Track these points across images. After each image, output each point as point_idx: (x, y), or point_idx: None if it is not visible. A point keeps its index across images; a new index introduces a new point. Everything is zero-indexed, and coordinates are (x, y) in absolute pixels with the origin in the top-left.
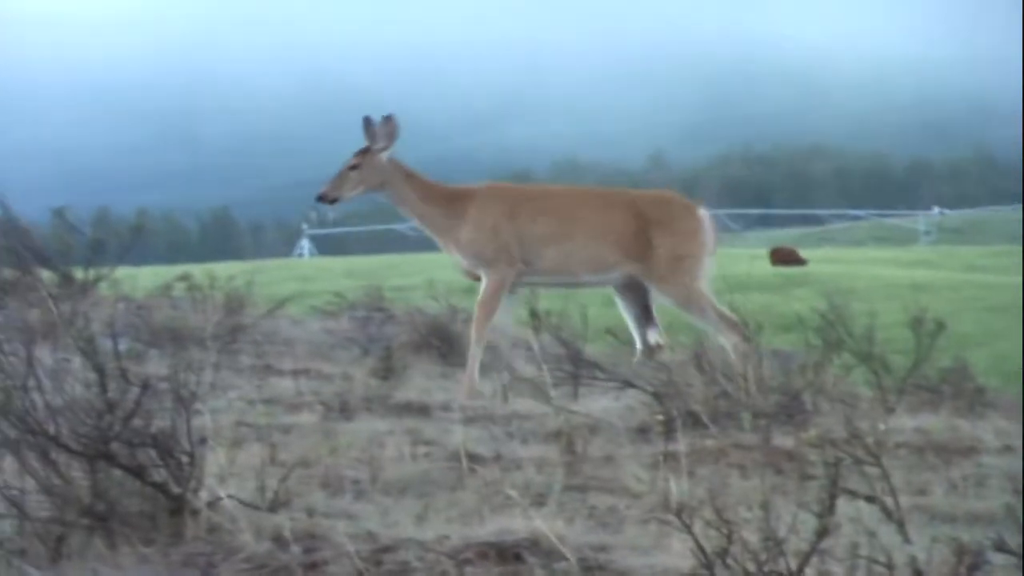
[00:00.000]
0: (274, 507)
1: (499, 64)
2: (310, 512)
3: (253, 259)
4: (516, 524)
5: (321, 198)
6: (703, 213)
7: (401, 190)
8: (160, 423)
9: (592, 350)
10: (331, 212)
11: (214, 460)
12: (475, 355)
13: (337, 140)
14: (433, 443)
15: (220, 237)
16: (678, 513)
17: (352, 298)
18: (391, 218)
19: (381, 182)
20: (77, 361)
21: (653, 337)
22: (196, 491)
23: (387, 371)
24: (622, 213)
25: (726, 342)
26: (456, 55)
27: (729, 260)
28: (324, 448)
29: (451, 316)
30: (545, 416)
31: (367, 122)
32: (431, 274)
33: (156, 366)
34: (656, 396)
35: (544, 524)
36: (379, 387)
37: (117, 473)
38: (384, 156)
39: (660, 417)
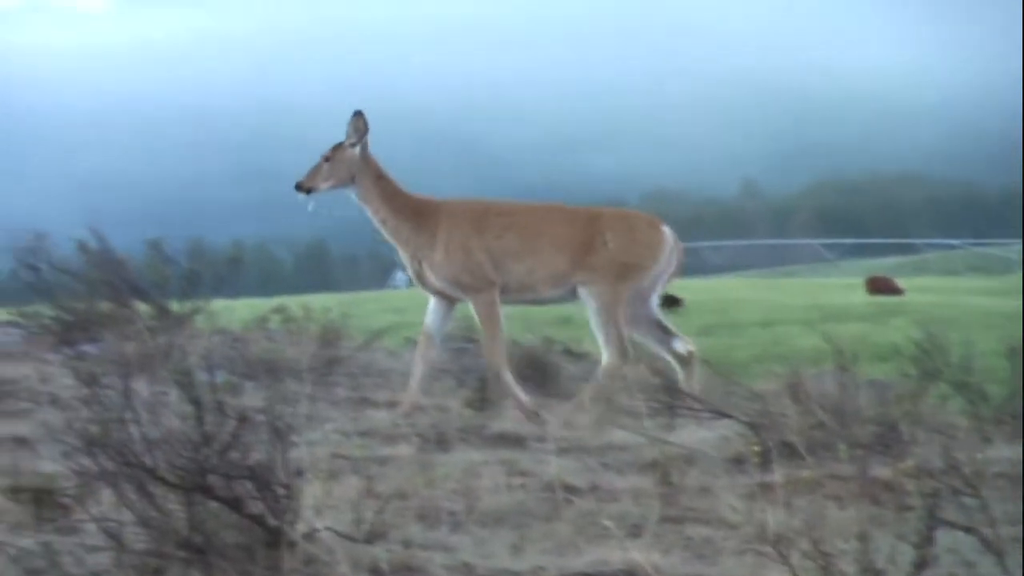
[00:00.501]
0: (371, 539)
1: (587, 92)
2: (407, 544)
3: (348, 291)
4: (612, 555)
5: (298, 187)
6: (666, 230)
7: (369, 188)
8: (257, 455)
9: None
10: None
11: (311, 492)
12: (509, 380)
13: (424, 167)
14: (529, 474)
15: (315, 269)
16: (775, 544)
17: (447, 330)
18: None
19: (351, 176)
20: (174, 394)
21: (681, 347)
22: (293, 523)
23: (482, 402)
24: (582, 227)
25: (605, 358)
26: (543, 83)
27: (823, 290)
28: (420, 480)
29: (546, 347)
30: (640, 447)
31: (357, 115)
32: (525, 306)
33: (252, 398)
34: (752, 426)
35: (640, 555)
36: (474, 418)
37: (214, 505)
38: (355, 151)
39: (756, 447)
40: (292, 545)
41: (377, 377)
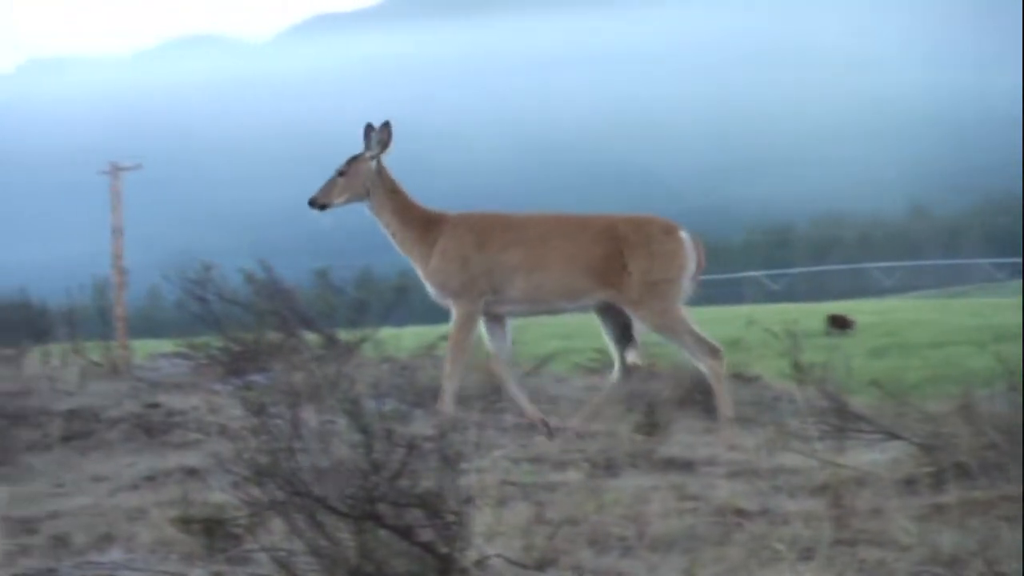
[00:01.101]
0: (542, 565)
1: (752, 116)
2: (578, 570)
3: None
4: None
5: (311, 203)
6: (684, 235)
7: (382, 202)
8: (426, 483)
9: (857, 402)
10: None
11: (481, 519)
12: (448, 389)
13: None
14: (699, 498)
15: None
16: (948, 566)
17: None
18: None
19: (366, 190)
20: (342, 422)
21: (631, 357)
22: (464, 550)
23: (651, 427)
24: (596, 238)
25: (703, 367)
26: (709, 107)
27: (995, 309)
28: (590, 505)
29: None
30: (811, 469)
31: (367, 129)
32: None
33: (421, 426)
34: (923, 448)
35: None
36: (644, 443)
37: (384, 533)
38: (372, 165)
39: (928, 469)
40: (463, 572)
41: (545, 403)
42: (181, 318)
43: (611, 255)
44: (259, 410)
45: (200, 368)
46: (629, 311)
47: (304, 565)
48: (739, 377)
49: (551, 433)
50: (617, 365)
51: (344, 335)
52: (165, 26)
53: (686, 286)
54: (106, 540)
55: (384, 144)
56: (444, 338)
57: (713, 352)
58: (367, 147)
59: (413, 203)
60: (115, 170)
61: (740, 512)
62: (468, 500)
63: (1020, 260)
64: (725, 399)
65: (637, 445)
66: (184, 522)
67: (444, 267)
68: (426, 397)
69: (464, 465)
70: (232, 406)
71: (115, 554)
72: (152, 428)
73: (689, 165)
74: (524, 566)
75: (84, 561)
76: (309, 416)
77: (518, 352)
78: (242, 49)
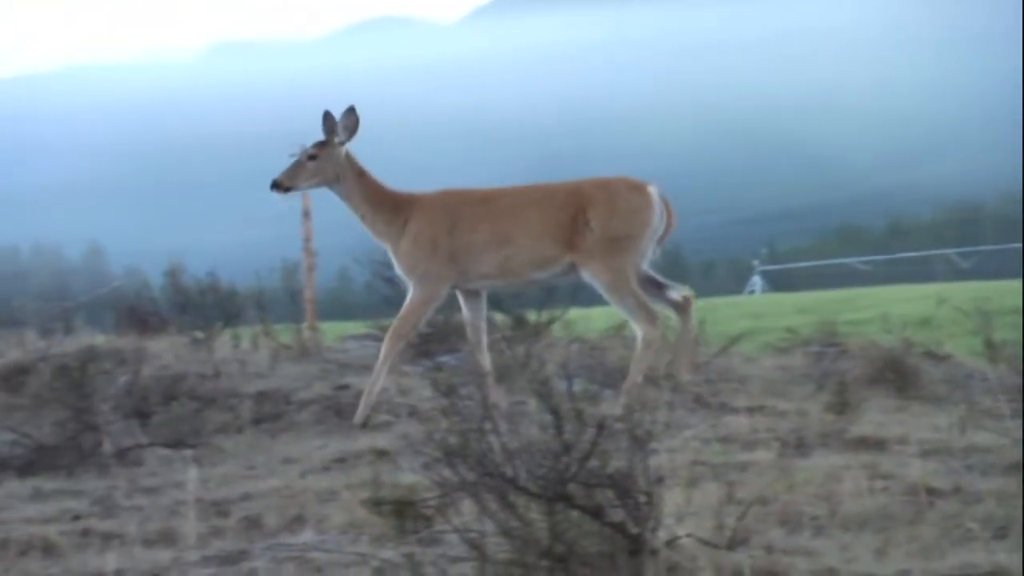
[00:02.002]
0: (733, 545)
1: (938, 96)
2: (769, 549)
3: (705, 297)
4: (978, 558)
5: (275, 185)
6: (652, 192)
7: (352, 186)
8: (616, 463)
9: None
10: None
11: (671, 499)
12: (380, 372)
13: (765, 177)
14: (891, 477)
15: (672, 275)
16: None
17: (805, 334)
18: (842, 252)
19: (336, 175)
20: (532, 403)
21: (675, 295)
22: (655, 531)
23: (842, 406)
24: (563, 204)
25: (639, 331)
26: (893, 89)
27: None
28: (781, 485)
29: (905, 349)
30: (1004, 448)
31: (327, 116)
32: (885, 308)
33: (611, 407)
34: None
35: (1007, 557)
36: (835, 422)
37: (575, 514)
38: (341, 149)
39: None
40: (654, 553)
41: (735, 383)
42: (370, 300)
43: (576, 217)
44: (449, 391)
45: None
46: (583, 267)
47: (495, 546)
48: (931, 356)
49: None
50: (671, 313)
51: (533, 316)
52: (352, 9)
53: (647, 246)
54: (297, 522)
55: (351, 130)
56: None
57: (652, 320)
58: (330, 133)
59: (381, 186)
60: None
61: (932, 491)
62: (658, 480)
63: None
64: (640, 367)
65: (828, 424)
66: (375, 503)
67: (413, 251)
68: (615, 378)
69: (654, 445)
70: (422, 387)
71: (306, 536)
72: (342, 410)
73: (874, 146)
74: (715, 546)
75: (276, 543)
76: (499, 397)
77: (706, 332)
78: (428, 31)
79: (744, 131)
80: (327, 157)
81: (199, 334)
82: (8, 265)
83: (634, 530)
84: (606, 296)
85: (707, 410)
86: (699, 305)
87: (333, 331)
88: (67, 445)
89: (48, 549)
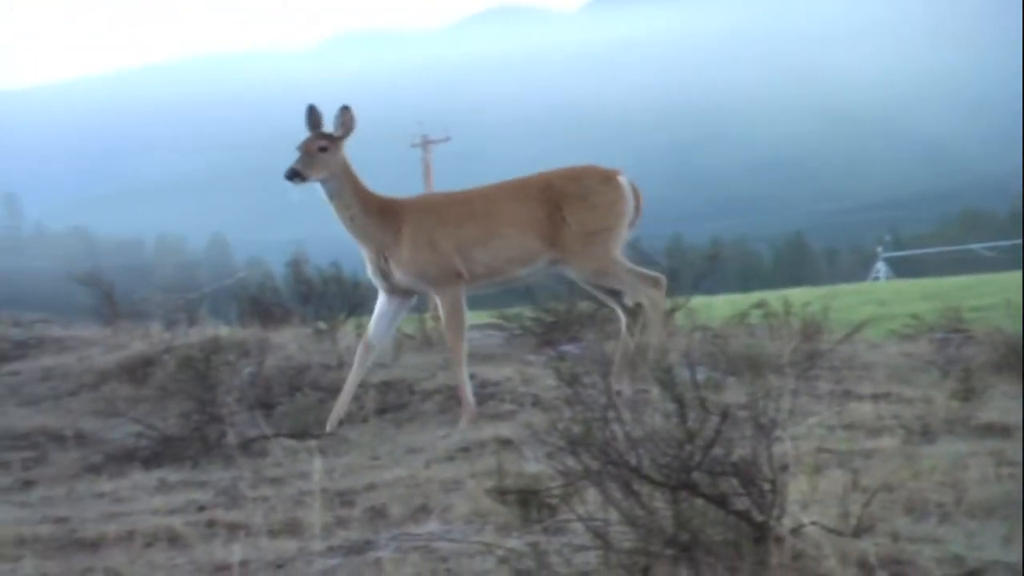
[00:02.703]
0: (858, 533)
1: None
2: (894, 537)
3: (828, 284)
4: None
5: (293, 173)
6: (623, 181)
7: (343, 184)
8: (741, 451)
9: None
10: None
11: (796, 487)
12: (463, 378)
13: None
14: (1017, 463)
15: (794, 263)
16: None
17: (930, 320)
18: (965, 238)
19: (334, 172)
20: (655, 391)
21: (628, 300)
22: (779, 518)
23: (968, 392)
24: (537, 198)
25: (644, 299)
26: (1002, 75)
27: None
28: (906, 472)
29: None
30: None
31: (311, 111)
32: (1009, 294)
33: (734, 394)
34: None
35: None
36: (960, 409)
37: (699, 502)
38: (342, 145)
39: None
40: (779, 540)
41: (859, 370)
42: (494, 289)
43: (552, 212)
44: (572, 380)
45: (513, 339)
46: (568, 264)
47: (619, 534)
48: None
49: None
50: (621, 316)
51: None
52: None
53: (624, 233)
54: (422, 512)
55: (348, 127)
56: (757, 306)
57: (655, 282)
58: (315, 127)
59: (367, 189)
60: (426, 143)
61: None
62: (783, 468)
63: None
64: (659, 329)
65: (953, 411)
66: (499, 493)
67: (417, 255)
68: (739, 365)
69: (778, 433)
70: (545, 376)
71: (431, 525)
72: None
73: (988, 131)
74: (840, 533)
75: (400, 533)
76: (623, 385)
77: (830, 319)
78: (549, 20)
79: (859, 119)
80: (335, 150)
81: (322, 324)
82: (132, 258)
83: (759, 518)
84: (599, 283)
85: (832, 397)
86: (822, 293)
87: None
88: (192, 436)
89: (174, 540)
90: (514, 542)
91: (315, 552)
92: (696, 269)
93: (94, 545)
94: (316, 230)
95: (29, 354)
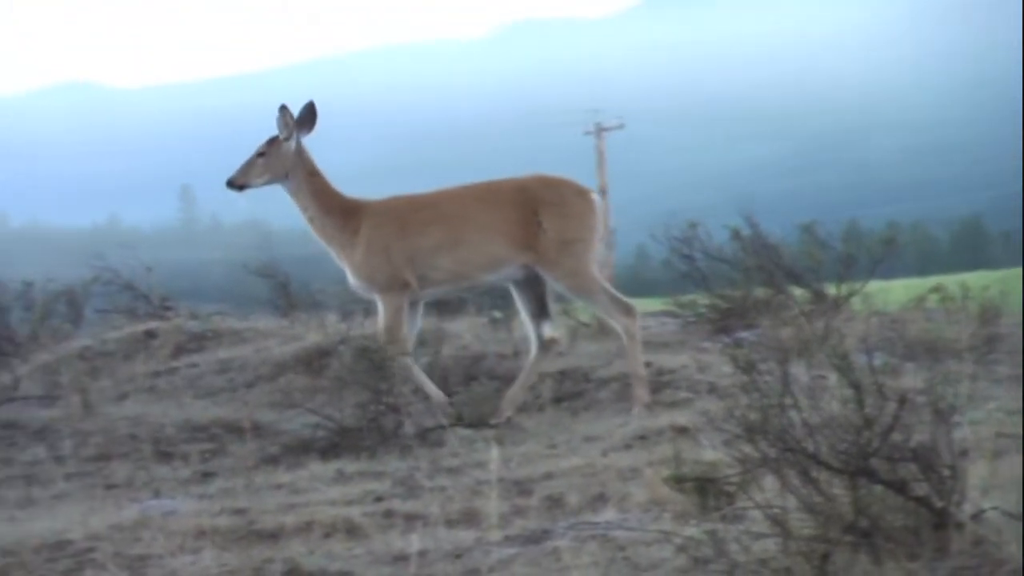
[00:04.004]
0: None
1: None
2: None
3: (1006, 267)
4: None
5: (229, 183)
6: (595, 198)
7: (300, 184)
8: (919, 437)
9: None
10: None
11: (976, 472)
12: (422, 380)
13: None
14: None
15: (971, 246)
16: None
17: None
18: None
19: (285, 172)
20: (832, 378)
21: (547, 330)
22: (959, 504)
23: None
24: (511, 203)
25: (617, 325)
26: None
27: None
28: None
29: None
30: None
31: (282, 109)
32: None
33: (912, 380)
34: None
35: None
36: None
37: (878, 489)
38: (290, 146)
39: None
40: (959, 527)
41: None
42: (668, 276)
43: (527, 217)
44: (748, 367)
45: (688, 326)
46: (544, 272)
47: (797, 521)
48: None
49: (447, 416)
50: (534, 341)
51: (832, 289)
52: None
53: (598, 248)
54: (599, 500)
55: (290, 127)
56: (934, 290)
57: (627, 310)
58: (281, 129)
59: (333, 189)
60: (599, 131)
61: None
62: (963, 453)
63: None
64: (637, 358)
65: None
66: (676, 480)
67: (369, 260)
68: (916, 350)
69: (957, 418)
70: (721, 363)
71: (608, 514)
72: None
73: None
74: (1021, 519)
75: (578, 521)
76: (799, 372)
77: (1009, 303)
78: (728, 4)
79: (1011, 100)
80: (275, 154)
81: (498, 314)
82: (308, 248)
83: (938, 504)
84: (575, 298)
85: (1011, 381)
86: (1000, 276)
87: None
88: (369, 427)
89: (352, 530)
90: (692, 530)
91: (492, 542)
92: (872, 254)
93: (273, 536)
94: None
95: (206, 346)
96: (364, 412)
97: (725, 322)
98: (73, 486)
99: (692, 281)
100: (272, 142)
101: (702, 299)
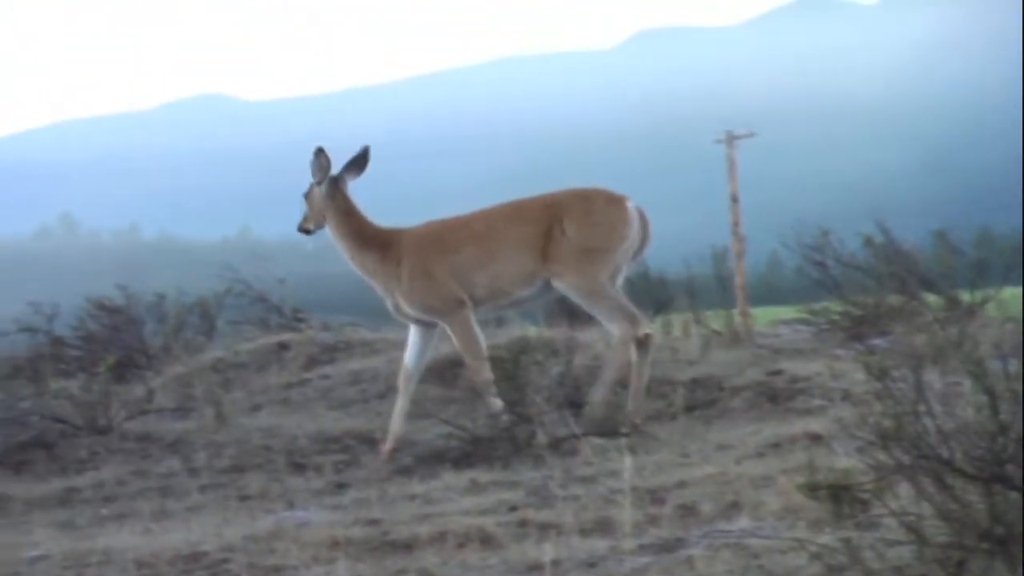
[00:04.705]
0: None
1: None
2: None
3: None
4: None
5: (299, 229)
6: (631, 206)
7: (336, 226)
8: None
9: None
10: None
11: None
12: (495, 404)
13: None
14: None
15: None
16: None
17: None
18: None
19: (322, 215)
20: (967, 384)
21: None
22: None
23: None
24: (540, 216)
25: (614, 330)
26: None
27: None
28: None
29: None
30: None
31: (318, 153)
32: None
33: None
34: None
35: None
36: None
37: (1014, 495)
38: (321, 190)
39: None
40: None
41: None
42: (800, 284)
43: (553, 229)
44: (882, 374)
45: (821, 334)
46: (554, 277)
47: (932, 529)
48: None
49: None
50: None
51: (966, 296)
52: None
53: (621, 260)
54: (733, 508)
55: (324, 170)
56: None
57: (631, 319)
58: (314, 172)
59: (369, 224)
60: (730, 138)
61: None
62: None
63: None
64: (611, 368)
65: None
66: (810, 488)
67: (415, 286)
68: None
69: None
70: (854, 371)
71: (742, 522)
72: (776, 395)
73: None
74: None
75: (712, 530)
76: (933, 379)
77: None
78: (854, 12)
79: None
80: (311, 202)
81: None
82: None
83: None
84: (581, 303)
85: None
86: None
87: (764, 316)
88: (502, 436)
89: (485, 540)
90: (826, 538)
91: (626, 550)
92: (1006, 259)
93: (407, 546)
94: None
95: (338, 358)
96: (497, 422)
97: (858, 329)
98: (207, 498)
99: (825, 288)
100: (310, 187)
101: (835, 306)
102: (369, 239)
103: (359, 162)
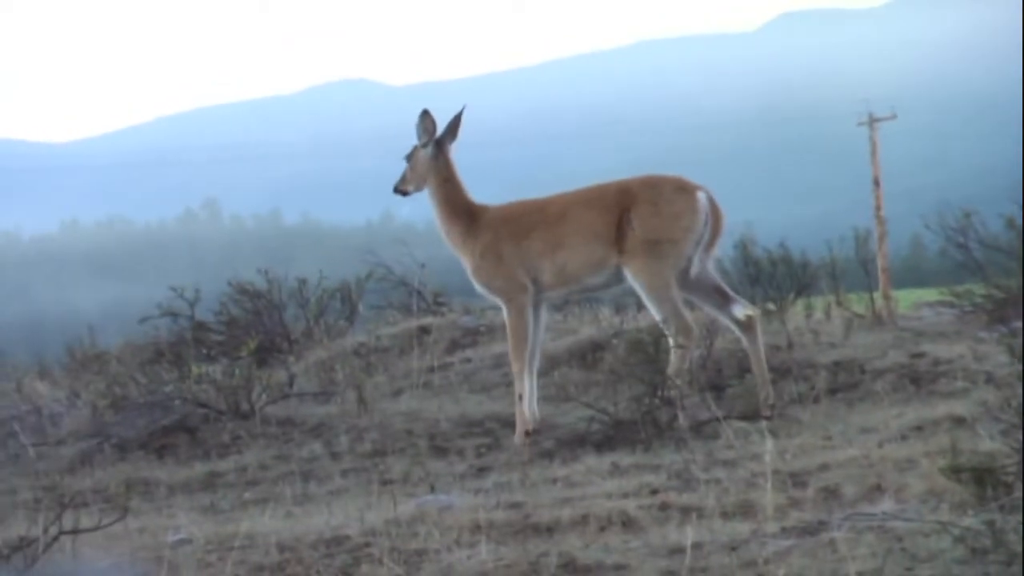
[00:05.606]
0: None
1: None
2: None
3: None
4: None
5: (395, 189)
6: (700, 196)
7: (434, 191)
8: None
9: None
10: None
11: None
12: (523, 389)
13: None
14: None
15: None
16: None
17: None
18: None
19: (424, 179)
20: None
21: (740, 312)
22: None
23: None
24: (610, 204)
25: (670, 337)
26: None
27: None
28: None
29: None
30: None
31: (424, 115)
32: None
33: None
34: None
35: None
36: None
37: None
38: (427, 153)
39: None
40: None
41: None
42: (943, 266)
43: (620, 217)
44: None
45: (964, 316)
46: (624, 266)
47: None
48: None
49: (525, 444)
50: (735, 329)
51: None
52: None
53: (690, 251)
54: (876, 491)
55: (430, 133)
56: None
57: (685, 331)
58: (419, 135)
59: (464, 195)
60: (873, 121)
61: None
62: None
63: None
64: (673, 370)
65: None
66: (953, 471)
67: (484, 266)
68: None
69: None
70: (997, 353)
71: (885, 505)
72: (919, 378)
73: None
74: None
75: (854, 513)
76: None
77: None
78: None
79: None
80: (414, 163)
81: (771, 305)
82: None
83: None
84: (643, 297)
85: None
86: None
87: (907, 299)
88: (643, 420)
89: (627, 523)
90: (970, 520)
91: (768, 534)
92: None
93: (549, 530)
94: (765, 211)
95: (480, 341)
96: (639, 405)
97: (1001, 311)
98: (349, 482)
99: (968, 270)
100: (414, 149)
101: (978, 289)
102: (459, 210)
103: (455, 129)
